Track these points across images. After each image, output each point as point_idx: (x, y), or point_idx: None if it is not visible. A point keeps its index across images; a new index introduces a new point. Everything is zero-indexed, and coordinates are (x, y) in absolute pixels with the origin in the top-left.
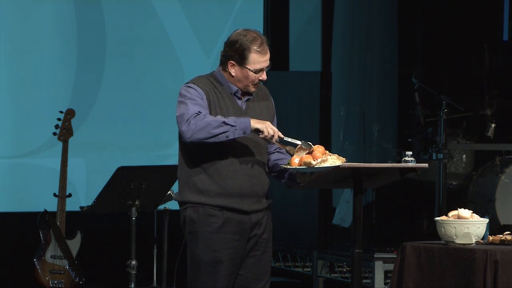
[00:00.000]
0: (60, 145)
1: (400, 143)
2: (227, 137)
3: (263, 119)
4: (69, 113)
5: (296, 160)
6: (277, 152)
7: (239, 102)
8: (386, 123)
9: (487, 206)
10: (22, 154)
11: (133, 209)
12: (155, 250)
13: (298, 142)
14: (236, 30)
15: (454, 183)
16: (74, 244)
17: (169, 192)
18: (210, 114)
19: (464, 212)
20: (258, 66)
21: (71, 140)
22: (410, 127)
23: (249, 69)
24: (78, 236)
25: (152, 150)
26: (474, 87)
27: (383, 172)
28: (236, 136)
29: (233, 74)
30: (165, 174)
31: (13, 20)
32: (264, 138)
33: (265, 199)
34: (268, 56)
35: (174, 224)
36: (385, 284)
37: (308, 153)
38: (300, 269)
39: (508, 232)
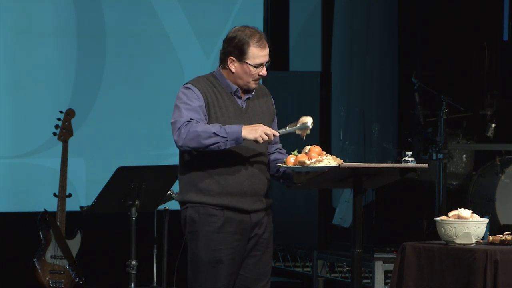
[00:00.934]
0: (60, 145)
1: (400, 143)
2: (218, 147)
3: (264, 118)
4: (69, 113)
5: (291, 160)
6: (277, 152)
7: (239, 101)
8: (386, 123)
9: (487, 206)
10: (22, 154)
11: (133, 209)
12: (155, 250)
13: (298, 125)
14: (234, 27)
15: (454, 183)
16: (74, 244)
17: (169, 192)
18: (210, 115)
19: (464, 212)
20: (257, 61)
21: (71, 140)
22: (410, 127)
23: (249, 64)
24: (78, 236)
25: (152, 150)
26: (474, 87)
27: (383, 172)
28: (228, 147)
29: (233, 70)
30: (165, 174)
31: (13, 20)
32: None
33: (266, 199)
34: (267, 51)
35: (174, 224)
36: (385, 284)
37: (305, 153)
38: (300, 269)
39: (508, 232)
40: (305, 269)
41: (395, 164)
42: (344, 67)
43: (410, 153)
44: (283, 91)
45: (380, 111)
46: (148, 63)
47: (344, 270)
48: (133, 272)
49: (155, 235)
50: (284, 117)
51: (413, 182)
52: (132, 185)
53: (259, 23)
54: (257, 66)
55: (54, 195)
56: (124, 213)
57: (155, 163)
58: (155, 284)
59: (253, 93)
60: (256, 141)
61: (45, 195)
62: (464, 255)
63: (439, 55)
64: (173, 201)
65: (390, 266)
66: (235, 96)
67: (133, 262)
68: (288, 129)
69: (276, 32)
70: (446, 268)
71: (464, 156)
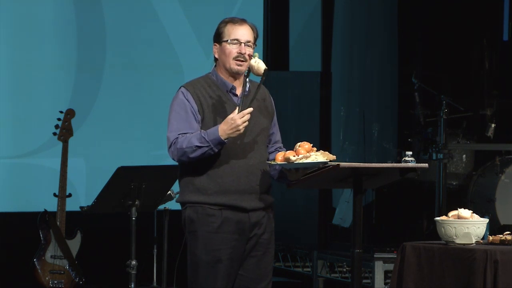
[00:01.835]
0: (60, 145)
1: (400, 143)
2: (209, 154)
3: (260, 116)
4: (69, 113)
5: (280, 157)
6: (277, 151)
7: (235, 99)
8: (386, 123)
9: (487, 206)
10: (22, 154)
11: (133, 209)
12: (155, 250)
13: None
14: None
15: (454, 183)
16: (74, 244)
17: (169, 192)
18: (204, 115)
19: (464, 212)
20: (233, 36)
21: (71, 140)
22: (410, 127)
23: (225, 42)
24: (78, 236)
25: (152, 150)
26: (474, 87)
27: (383, 172)
28: (217, 150)
29: (217, 56)
30: (165, 174)
31: (13, 20)
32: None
33: (266, 197)
34: (244, 29)
35: (174, 224)
36: (385, 284)
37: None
38: (300, 269)
39: (508, 232)
40: (305, 269)
41: (395, 164)
42: (344, 67)
43: (410, 153)
44: (283, 91)
45: (380, 111)
46: (148, 63)
47: (344, 270)
48: (133, 272)
49: (155, 235)
50: (284, 117)
51: (413, 182)
52: (132, 185)
53: (259, 23)
54: (233, 42)
55: (54, 195)
56: (124, 213)
57: (155, 163)
58: (155, 284)
59: (247, 90)
60: (237, 133)
61: (45, 195)
62: (464, 255)
63: (439, 55)
64: (173, 201)
65: (390, 266)
66: (231, 94)
67: (133, 262)
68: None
69: (276, 32)
70: (446, 268)
71: (464, 156)
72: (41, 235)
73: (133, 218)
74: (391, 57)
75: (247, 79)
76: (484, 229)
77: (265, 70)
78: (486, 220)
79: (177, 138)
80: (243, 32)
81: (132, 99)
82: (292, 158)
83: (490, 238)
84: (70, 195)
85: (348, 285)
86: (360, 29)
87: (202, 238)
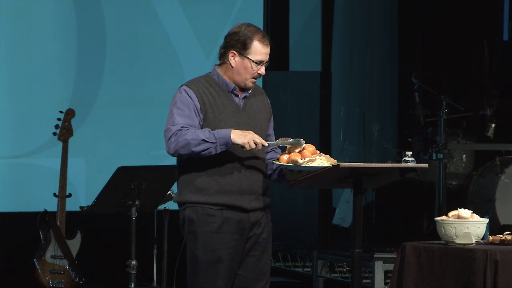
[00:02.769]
0: (60, 145)
1: (400, 143)
2: (209, 153)
3: (261, 116)
4: (69, 113)
5: (285, 157)
6: (273, 151)
7: (236, 99)
8: (386, 123)
9: (487, 206)
10: (22, 154)
11: (133, 209)
12: (155, 250)
13: (289, 140)
14: (237, 24)
15: (454, 183)
16: (74, 244)
17: (169, 192)
18: (207, 115)
19: (464, 212)
20: (259, 57)
21: (71, 140)
22: (410, 127)
23: (250, 59)
24: (78, 236)
25: (152, 150)
26: (474, 87)
27: (383, 172)
28: (218, 151)
29: (233, 64)
30: (165, 174)
31: (13, 20)
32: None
33: (264, 197)
34: (268, 50)
35: (174, 224)
36: (385, 284)
37: (300, 151)
38: (300, 269)
39: (508, 232)
40: (305, 269)
41: (395, 164)
42: (344, 67)
43: (410, 153)
44: (283, 91)
45: (380, 111)
46: (148, 63)
47: (344, 270)
48: (133, 272)
49: (155, 235)
50: (284, 117)
51: (413, 182)
52: (132, 185)
53: (259, 23)
54: (258, 63)
55: (54, 195)
56: (124, 213)
57: (155, 163)
58: (155, 284)
59: (249, 92)
60: (243, 146)
61: (45, 195)
62: (464, 255)
63: (439, 55)
64: (173, 200)
65: (390, 266)
66: (232, 95)
67: (133, 262)
68: (278, 141)
69: (276, 32)
70: (446, 268)
71: (464, 156)
72: (41, 235)
73: (133, 218)
74: (391, 57)
75: None
76: (484, 229)
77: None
78: (486, 220)
79: (180, 130)
80: (267, 52)
81: (132, 99)
82: (300, 161)
83: (490, 238)
84: (70, 195)
85: (348, 285)
86: (360, 29)
87: (202, 238)
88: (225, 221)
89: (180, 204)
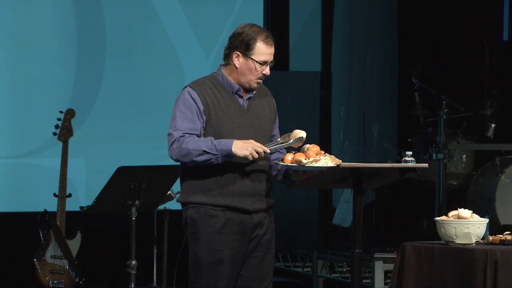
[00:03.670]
0: (60, 145)
1: (400, 143)
2: (211, 164)
3: (265, 118)
4: (69, 113)
5: (289, 158)
6: (278, 152)
7: (240, 100)
8: (386, 123)
9: (487, 206)
10: (22, 154)
11: (133, 209)
12: (155, 250)
13: (290, 141)
14: (241, 24)
15: (454, 183)
16: (74, 244)
17: (169, 192)
18: (210, 116)
19: (464, 212)
20: (263, 58)
21: (71, 140)
22: (410, 127)
23: (254, 60)
24: (78, 236)
25: (152, 150)
26: (474, 87)
27: (383, 172)
28: (220, 162)
29: (237, 65)
30: (165, 174)
31: (13, 20)
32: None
33: (267, 199)
34: (273, 50)
35: (174, 224)
36: (385, 284)
37: (304, 152)
38: (300, 269)
39: (508, 232)
40: (305, 269)
41: (395, 164)
42: (344, 67)
43: (410, 153)
44: (283, 91)
45: (380, 111)
46: (148, 63)
47: (344, 270)
48: (133, 272)
49: (155, 235)
50: (284, 117)
51: (413, 182)
52: (132, 185)
53: (259, 23)
54: (262, 63)
55: (54, 195)
56: (124, 213)
57: (155, 163)
58: (155, 284)
59: (254, 93)
60: (246, 158)
61: (45, 195)
62: (464, 255)
63: (439, 55)
64: (173, 201)
65: (390, 266)
66: (236, 96)
67: (133, 262)
68: (281, 144)
69: (276, 32)
70: (446, 268)
71: (464, 156)
72: (41, 235)
73: (133, 218)
74: (391, 57)
75: None
76: (484, 229)
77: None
78: (486, 220)
79: (182, 136)
80: (271, 52)
81: (132, 99)
82: (304, 161)
83: (490, 238)
84: (70, 195)
85: (348, 285)
86: (360, 29)
87: (204, 238)
88: (227, 222)
89: (183, 204)
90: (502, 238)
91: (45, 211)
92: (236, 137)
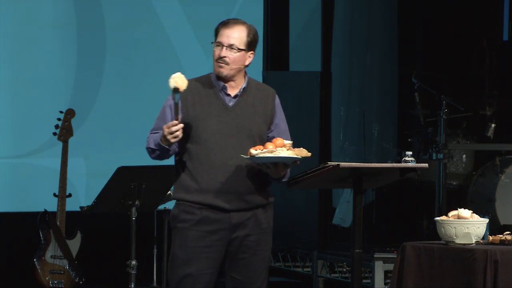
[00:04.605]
0: (60, 145)
1: (400, 143)
2: (164, 158)
3: (251, 117)
4: (69, 113)
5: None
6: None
7: (227, 98)
8: (386, 123)
9: (487, 206)
10: (22, 154)
11: (133, 209)
12: (155, 250)
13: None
14: None
15: (454, 183)
16: (74, 244)
17: (169, 192)
18: (188, 113)
19: (464, 212)
20: (218, 39)
21: (71, 140)
22: (410, 127)
23: (213, 43)
24: (78, 236)
25: None
26: (474, 87)
27: (383, 172)
28: (172, 153)
29: None
30: (165, 174)
31: (13, 20)
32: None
33: (251, 198)
34: (231, 32)
35: None
36: (385, 284)
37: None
38: (300, 269)
39: (508, 232)
40: (305, 269)
41: (395, 164)
42: (344, 67)
43: (410, 153)
44: (283, 91)
45: (380, 111)
46: (148, 63)
47: (344, 270)
48: (133, 272)
49: (155, 235)
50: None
51: (413, 182)
52: (132, 185)
53: (259, 23)
54: (217, 45)
55: (54, 195)
56: (124, 213)
57: (155, 163)
58: (155, 284)
59: (241, 90)
60: (168, 142)
61: (45, 195)
62: (464, 255)
63: (439, 55)
64: (173, 201)
65: (390, 266)
66: (223, 93)
67: (133, 262)
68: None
69: (276, 32)
70: (446, 268)
71: (464, 156)
72: (41, 235)
73: (133, 218)
74: (391, 57)
75: (247, 77)
76: (484, 229)
77: (174, 88)
78: (486, 220)
79: (148, 137)
80: (228, 35)
81: (132, 99)
82: (253, 152)
83: (490, 238)
84: (70, 195)
85: (348, 285)
86: (360, 28)
87: (180, 234)
88: (202, 219)
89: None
90: (502, 238)
91: (45, 211)
92: (213, 134)
